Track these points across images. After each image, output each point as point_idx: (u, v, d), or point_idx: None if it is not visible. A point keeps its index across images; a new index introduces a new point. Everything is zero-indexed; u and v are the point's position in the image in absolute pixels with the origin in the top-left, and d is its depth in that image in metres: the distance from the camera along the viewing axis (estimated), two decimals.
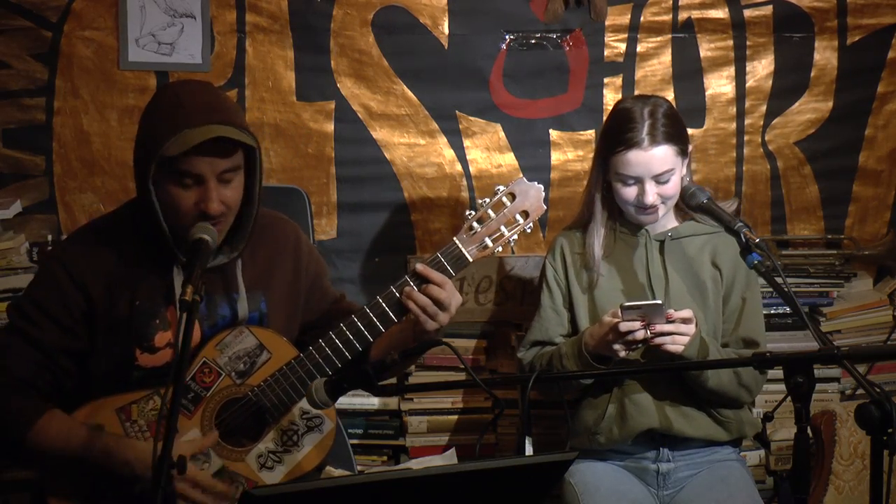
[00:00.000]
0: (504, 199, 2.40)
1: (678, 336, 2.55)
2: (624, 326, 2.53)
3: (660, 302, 2.54)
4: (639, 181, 2.65)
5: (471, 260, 2.39)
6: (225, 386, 2.35)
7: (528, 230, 2.43)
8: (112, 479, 2.24)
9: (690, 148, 2.74)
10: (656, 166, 2.63)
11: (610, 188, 2.73)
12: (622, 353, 2.58)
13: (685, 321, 2.56)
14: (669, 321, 2.54)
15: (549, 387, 2.84)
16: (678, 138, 2.66)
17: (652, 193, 2.65)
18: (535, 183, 2.43)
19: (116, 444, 2.24)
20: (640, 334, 2.53)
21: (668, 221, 2.79)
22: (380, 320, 2.37)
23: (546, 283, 2.84)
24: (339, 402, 2.22)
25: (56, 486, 2.29)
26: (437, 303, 2.34)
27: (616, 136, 2.67)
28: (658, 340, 2.55)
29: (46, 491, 2.30)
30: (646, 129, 2.62)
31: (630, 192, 2.68)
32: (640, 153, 2.63)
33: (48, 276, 2.35)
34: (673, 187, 2.66)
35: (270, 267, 2.48)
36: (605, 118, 3.47)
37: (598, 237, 2.76)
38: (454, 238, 2.39)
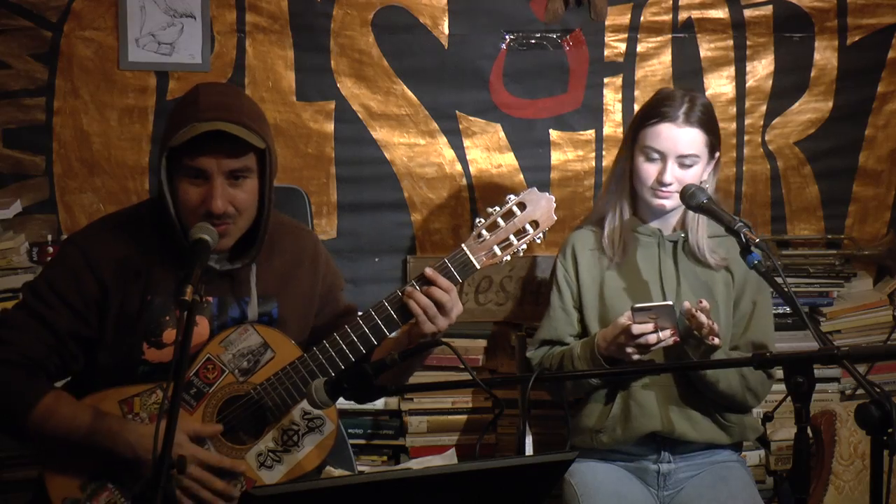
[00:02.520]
0: (514, 208, 2.40)
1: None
2: (636, 329, 2.53)
3: (670, 303, 2.54)
4: (663, 158, 2.66)
5: (478, 267, 2.39)
6: (227, 383, 2.36)
7: (538, 241, 2.43)
8: (114, 462, 2.25)
9: (719, 154, 2.74)
10: (683, 146, 2.64)
11: (631, 177, 2.73)
12: (635, 357, 2.58)
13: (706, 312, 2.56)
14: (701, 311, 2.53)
15: (559, 387, 2.83)
16: (710, 129, 2.69)
17: (671, 173, 2.65)
18: (547, 194, 2.43)
19: (119, 426, 2.26)
20: (653, 338, 2.53)
21: (673, 226, 2.79)
22: (384, 323, 2.37)
23: (556, 282, 2.83)
24: (339, 401, 2.22)
25: (57, 472, 2.30)
26: (439, 305, 2.34)
27: (653, 108, 2.70)
28: (708, 330, 2.53)
29: (46, 475, 2.31)
30: (683, 108, 2.66)
31: (651, 169, 2.68)
32: (672, 127, 2.65)
33: (65, 259, 2.38)
34: (693, 177, 2.66)
35: (287, 276, 2.49)
36: (605, 118, 3.51)
37: (623, 219, 2.75)
38: (462, 245, 2.39)
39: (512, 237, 2.40)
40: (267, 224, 2.38)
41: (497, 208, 2.41)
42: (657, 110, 2.68)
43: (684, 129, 2.65)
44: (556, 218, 2.44)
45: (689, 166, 2.66)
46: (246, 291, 2.42)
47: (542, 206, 2.42)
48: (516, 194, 2.42)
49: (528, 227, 2.41)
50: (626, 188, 2.76)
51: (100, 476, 2.29)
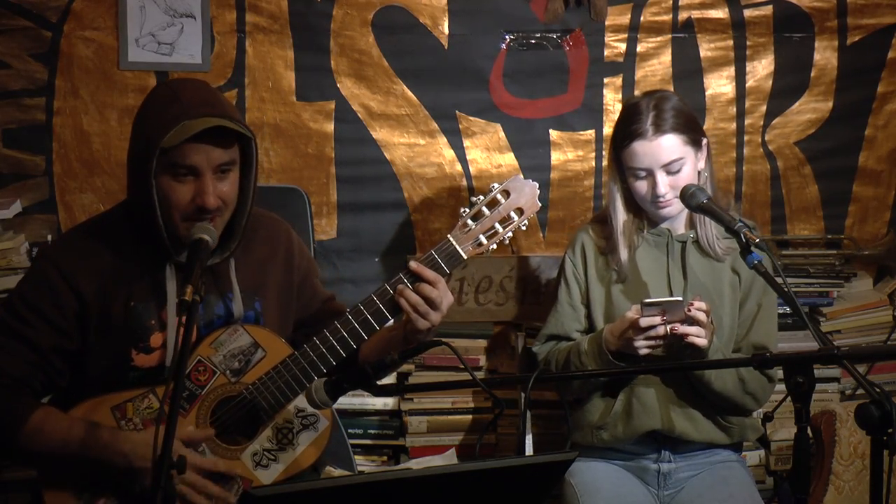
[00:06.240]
0: (499, 196, 2.40)
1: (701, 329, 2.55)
2: (644, 322, 2.53)
3: (680, 299, 2.55)
4: (649, 173, 2.66)
5: (465, 257, 2.38)
6: (220, 384, 2.35)
7: (524, 227, 2.42)
8: (109, 473, 2.24)
9: (706, 141, 2.74)
10: (663, 156, 2.64)
11: (629, 188, 2.73)
12: (644, 351, 2.58)
13: (706, 313, 2.56)
14: (693, 312, 2.53)
15: (566, 385, 2.82)
16: (685, 128, 2.67)
17: (663, 184, 2.65)
18: (530, 180, 2.42)
19: (112, 437, 2.25)
20: (661, 330, 2.53)
21: (682, 224, 2.79)
22: (374, 317, 2.36)
23: (564, 277, 2.84)
24: (339, 401, 2.22)
25: (52, 482, 2.29)
26: (429, 301, 2.33)
27: (623, 129, 2.69)
28: (683, 329, 2.54)
29: (42, 486, 2.30)
30: (650, 120, 2.64)
31: (643, 186, 2.68)
32: (645, 143, 2.64)
33: (40, 275, 2.34)
34: (686, 178, 2.66)
35: (264, 267, 2.48)
36: (605, 118, 3.50)
37: (622, 240, 2.75)
38: (448, 235, 2.38)
39: (497, 225, 2.39)
40: (249, 216, 2.37)
41: (481, 197, 2.40)
42: (627, 130, 2.67)
43: (658, 140, 2.64)
44: (539, 204, 2.43)
45: (678, 170, 2.66)
46: (227, 287, 2.40)
47: (527, 192, 2.41)
48: (499, 183, 2.42)
49: (512, 214, 2.40)
50: (621, 204, 2.75)
51: (96, 486, 2.27)
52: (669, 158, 2.64)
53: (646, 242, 2.78)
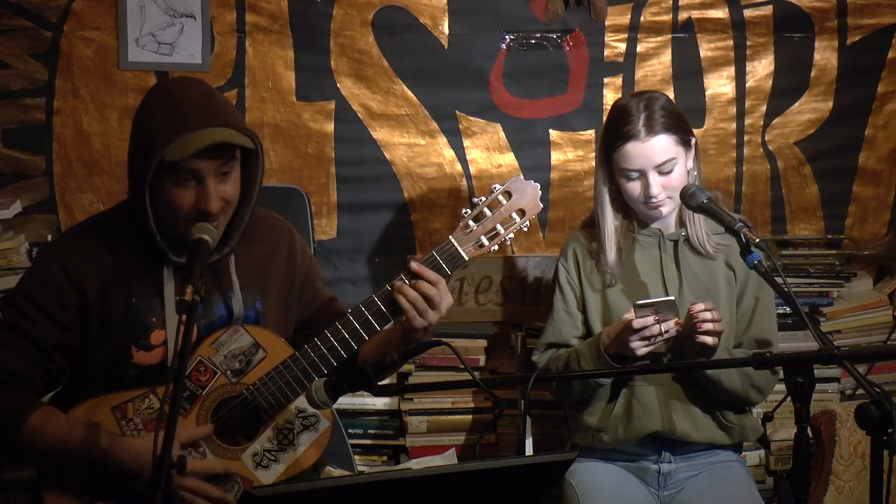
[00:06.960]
0: (500, 197, 2.39)
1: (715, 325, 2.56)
2: (637, 323, 2.53)
3: (672, 298, 2.55)
4: (642, 174, 2.66)
5: (466, 258, 2.38)
6: (220, 384, 2.35)
7: (525, 228, 2.42)
8: (108, 476, 2.24)
9: (694, 140, 2.74)
10: (656, 156, 2.64)
11: (619, 190, 2.73)
12: (641, 351, 2.58)
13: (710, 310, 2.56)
14: (701, 315, 2.54)
15: (567, 389, 2.82)
16: (676, 128, 2.67)
17: (656, 185, 2.65)
18: (532, 181, 2.42)
19: (110, 443, 2.25)
20: (656, 329, 2.53)
21: (673, 223, 2.79)
22: (375, 318, 2.36)
23: (559, 285, 2.83)
24: (339, 401, 2.22)
25: (51, 483, 2.29)
26: (428, 300, 2.33)
27: (614, 131, 2.68)
28: (704, 326, 2.53)
29: (41, 487, 2.30)
30: (642, 121, 2.64)
31: (635, 188, 2.68)
32: (638, 144, 2.63)
33: (43, 271, 2.34)
34: (677, 178, 2.66)
35: (265, 266, 2.47)
36: (604, 118, 3.50)
37: (610, 243, 2.75)
38: (450, 236, 2.38)
39: (499, 226, 2.39)
40: (250, 214, 2.36)
41: (483, 198, 2.40)
42: (619, 132, 2.66)
43: (650, 141, 2.63)
44: (541, 205, 2.42)
45: (670, 171, 2.66)
46: (228, 284, 2.40)
47: (528, 193, 2.40)
48: (501, 184, 2.42)
49: (514, 215, 2.40)
50: (609, 206, 2.75)
51: (95, 487, 2.27)
52: (662, 159, 2.64)
53: (638, 243, 2.78)
